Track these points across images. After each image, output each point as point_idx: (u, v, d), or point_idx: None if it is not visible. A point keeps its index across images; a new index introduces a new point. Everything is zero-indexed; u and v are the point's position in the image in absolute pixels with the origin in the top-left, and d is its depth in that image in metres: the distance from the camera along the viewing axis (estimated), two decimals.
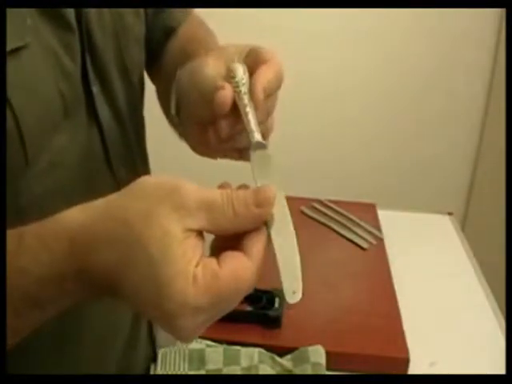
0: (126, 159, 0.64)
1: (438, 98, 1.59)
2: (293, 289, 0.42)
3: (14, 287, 0.42)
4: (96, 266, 0.40)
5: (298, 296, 0.43)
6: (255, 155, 0.47)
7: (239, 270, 0.40)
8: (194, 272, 0.39)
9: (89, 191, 0.45)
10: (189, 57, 0.60)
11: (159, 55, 0.74)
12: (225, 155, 0.57)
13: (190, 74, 0.55)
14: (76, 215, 0.42)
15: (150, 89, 0.73)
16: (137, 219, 0.39)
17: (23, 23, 0.49)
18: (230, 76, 0.51)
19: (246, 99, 0.49)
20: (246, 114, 0.49)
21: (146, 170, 0.74)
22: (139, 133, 0.70)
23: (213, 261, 0.40)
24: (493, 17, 1.50)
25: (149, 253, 0.39)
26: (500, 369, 0.79)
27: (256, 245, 0.42)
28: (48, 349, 0.60)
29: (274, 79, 0.51)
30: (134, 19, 0.64)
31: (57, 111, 0.53)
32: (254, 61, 0.52)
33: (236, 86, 0.50)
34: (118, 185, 0.62)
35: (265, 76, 0.50)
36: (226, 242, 0.43)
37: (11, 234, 0.44)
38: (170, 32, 0.75)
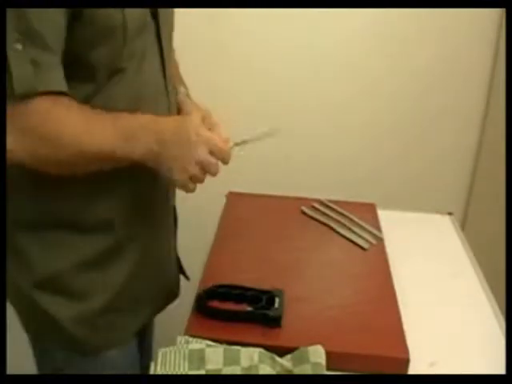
0: (173, 88, 0.94)
1: (437, 98, 1.59)
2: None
3: (119, 125, 0.78)
4: (162, 131, 0.79)
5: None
6: None
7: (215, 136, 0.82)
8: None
9: (154, 106, 0.85)
10: None
11: None
12: None
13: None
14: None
15: None
16: (185, 118, 0.87)
17: None
18: None
19: None
20: None
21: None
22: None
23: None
24: (493, 17, 1.50)
25: (179, 122, 0.83)
26: (500, 369, 0.79)
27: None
28: None
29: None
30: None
31: (145, 15, 0.82)
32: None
33: None
34: (169, 107, 0.91)
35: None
36: None
37: (107, 118, 0.78)
38: None
